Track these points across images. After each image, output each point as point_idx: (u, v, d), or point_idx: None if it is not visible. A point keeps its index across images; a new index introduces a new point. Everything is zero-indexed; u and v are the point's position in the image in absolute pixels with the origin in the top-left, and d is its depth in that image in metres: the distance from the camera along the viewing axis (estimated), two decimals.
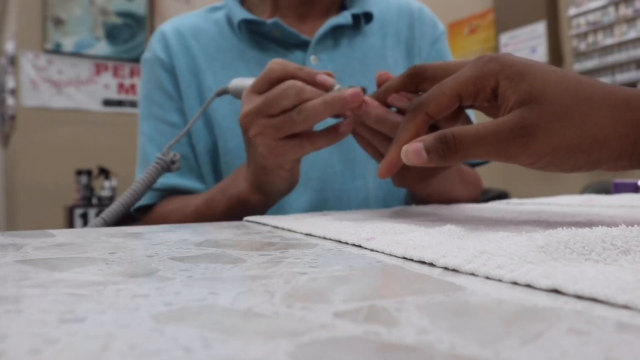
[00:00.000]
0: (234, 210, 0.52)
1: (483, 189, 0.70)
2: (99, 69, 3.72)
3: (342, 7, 0.72)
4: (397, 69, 0.70)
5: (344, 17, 0.67)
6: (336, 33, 0.68)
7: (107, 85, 3.74)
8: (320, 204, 0.64)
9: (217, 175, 0.66)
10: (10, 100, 3.76)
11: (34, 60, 3.52)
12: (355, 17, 0.69)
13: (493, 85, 0.33)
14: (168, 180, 0.64)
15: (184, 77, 0.66)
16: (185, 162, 0.65)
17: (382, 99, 0.42)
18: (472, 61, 0.35)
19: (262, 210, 0.53)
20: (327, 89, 0.43)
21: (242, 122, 0.45)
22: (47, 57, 3.56)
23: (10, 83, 3.77)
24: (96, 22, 3.70)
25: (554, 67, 0.32)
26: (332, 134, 0.44)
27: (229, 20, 0.69)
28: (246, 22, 0.66)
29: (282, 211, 0.62)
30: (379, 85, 0.44)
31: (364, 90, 0.42)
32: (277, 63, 0.44)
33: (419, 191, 0.58)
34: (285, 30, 0.65)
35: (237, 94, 0.50)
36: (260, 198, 0.50)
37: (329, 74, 0.44)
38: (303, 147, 0.44)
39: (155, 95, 0.67)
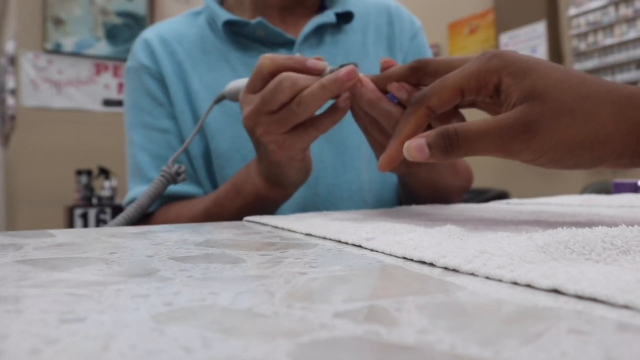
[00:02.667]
0: (252, 207, 0.52)
1: (473, 180, 0.70)
2: (99, 69, 3.72)
3: (322, 7, 0.73)
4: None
5: (328, 16, 0.68)
6: (319, 31, 0.69)
7: (107, 85, 3.75)
8: (314, 199, 0.65)
9: (213, 179, 0.66)
10: (10, 100, 3.76)
11: (34, 60, 3.52)
12: (338, 16, 0.70)
13: (496, 81, 0.33)
14: None
15: (172, 82, 0.66)
16: None
17: (380, 84, 0.42)
18: (475, 57, 0.35)
19: (280, 204, 0.53)
20: (319, 72, 0.42)
21: (246, 124, 0.45)
22: (47, 57, 3.56)
23: (10, 83, 3.77)
24: (96, 22, 3.70)
25: (557, 64, 0.32)
26: (334, 113, 0.44)
27: (210, 23, 0.69)
28: (229, 24, 0.66)
29: None
30: (382, 70, 0.44)
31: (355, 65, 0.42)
32: (266, 58, 0.44)
33: (405, 178, 0.59)
34: (270, 30, 0.66)
35: (234, 97, 0.50)
36: (279, 191, 0.51)
37: (319, 59, 0.44)
38: (310, 134, 0.44)
39: (144, 103, 0.67)
